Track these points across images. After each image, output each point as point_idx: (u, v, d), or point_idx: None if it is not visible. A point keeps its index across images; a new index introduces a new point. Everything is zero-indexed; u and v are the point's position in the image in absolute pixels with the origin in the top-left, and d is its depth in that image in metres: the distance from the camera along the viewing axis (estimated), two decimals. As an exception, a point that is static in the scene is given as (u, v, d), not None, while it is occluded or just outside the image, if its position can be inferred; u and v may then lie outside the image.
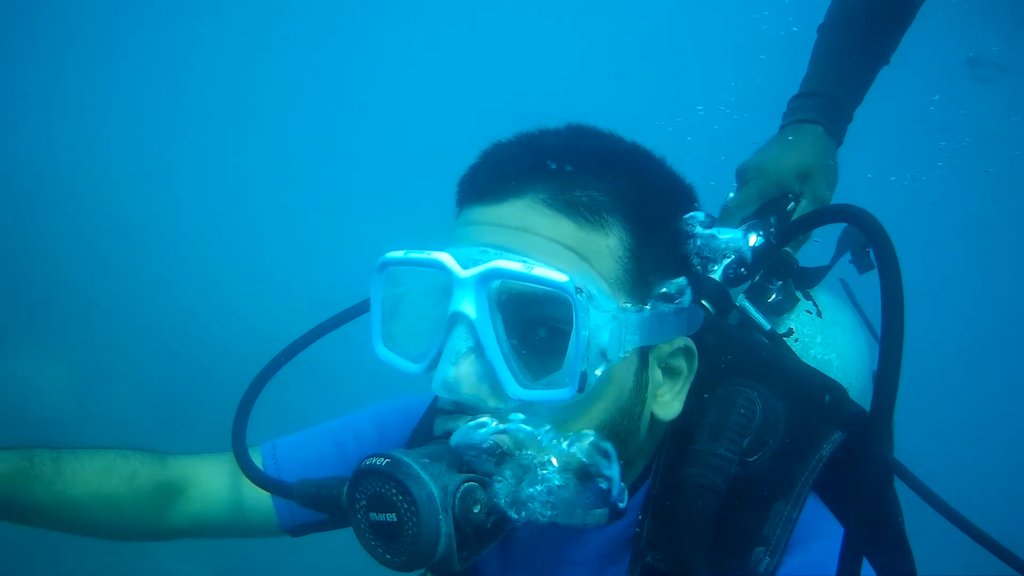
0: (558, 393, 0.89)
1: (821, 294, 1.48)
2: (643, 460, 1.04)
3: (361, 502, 0.88)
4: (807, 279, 1.45)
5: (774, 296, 1.37)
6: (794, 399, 1.07)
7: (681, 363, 1.02)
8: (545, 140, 1.01)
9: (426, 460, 0.87)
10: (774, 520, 0.99)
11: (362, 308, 1.24)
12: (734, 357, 1.09)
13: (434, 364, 0.93)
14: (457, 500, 0.85)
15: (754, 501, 1.00)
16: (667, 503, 1.02)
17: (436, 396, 0.96)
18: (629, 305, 0.94)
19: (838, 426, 1.06)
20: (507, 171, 0.96)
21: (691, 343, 1.02)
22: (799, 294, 1.41)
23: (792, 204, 1.46)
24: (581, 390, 0.89)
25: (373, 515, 0.87)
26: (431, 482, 0.85)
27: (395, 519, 0.85)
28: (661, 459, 1.05)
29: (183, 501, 1.25)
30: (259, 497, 1.23)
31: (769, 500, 1.00)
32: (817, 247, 1.50)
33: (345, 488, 0.91)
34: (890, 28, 1.74)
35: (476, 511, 0.87)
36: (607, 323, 0.90)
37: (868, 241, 1.03)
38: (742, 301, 1.31)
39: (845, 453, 1.04)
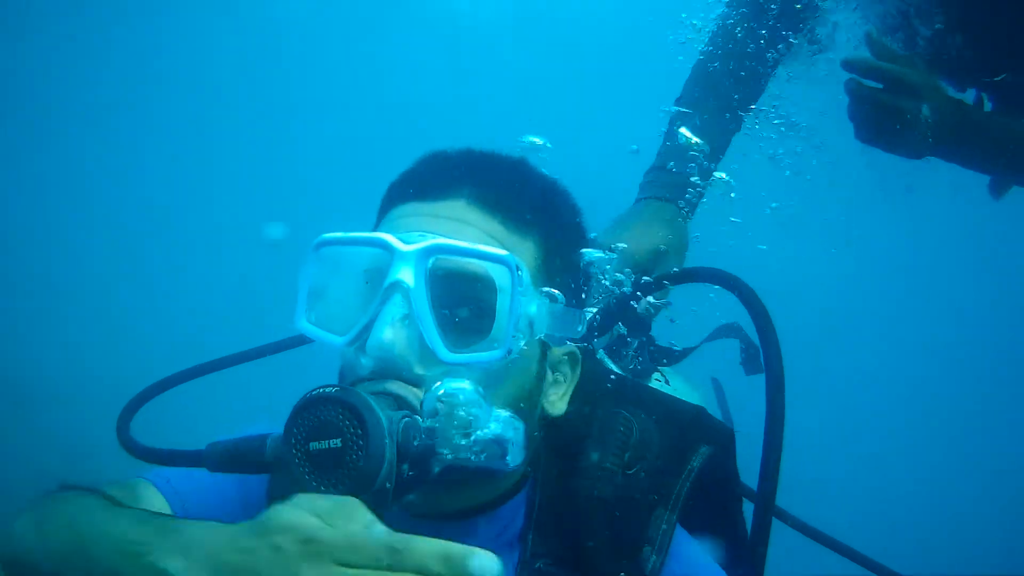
0: (490, 355, 1.00)
1: (676, 378, 1.58)
2: (525, 456, 1.09)
3: (300, 435, 0.91)
4: (668, 356, 1.59)
5: (633, 364, 1.51)
6: (664, 418, 1.21)
7: (567, 368, 1.15)
8: (480, 154, 1.16)
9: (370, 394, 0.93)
10: (656, 523, 1.11)
11: (282, 345, 1.38)
12: (607, 383, 1.24)
13: (363, 333, 1.00)
14: (400, 430, 0.91)
15: (638, 509, 1.12)
16: (558, 512, 1.12)
17: (347, 373, 1.05)
18: (543, 298, 1.07)
19: (706, 440, 1.20)
20: (446, 174, 1.11)
21: (577, 351, 1.15)
22: (655, 368, 1.54)
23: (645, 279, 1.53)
24: (509, 354, 1.00)
25: (313, 444, 0.90)
26: (379, 410, 0.90)
27: (339, 444, 0.88)
28: (540, 471, 1.16)
29: None
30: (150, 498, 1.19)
31: (651, 507, 1.12)
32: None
33: (267, 439, 0.98)
34: (738, 107, 1.96)
35: (415, 444, 0.93)
36: (532, 300, 1.04)
37: (752, 344, 1.20)
38: (601, 355, 1.42)
39: (711, 467, 1.19)
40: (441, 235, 1.03)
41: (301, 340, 1.29)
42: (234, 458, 1.02)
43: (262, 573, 0.74)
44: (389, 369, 0.99)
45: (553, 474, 1.15)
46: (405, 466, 0.92)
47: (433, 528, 0.91)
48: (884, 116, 1.73)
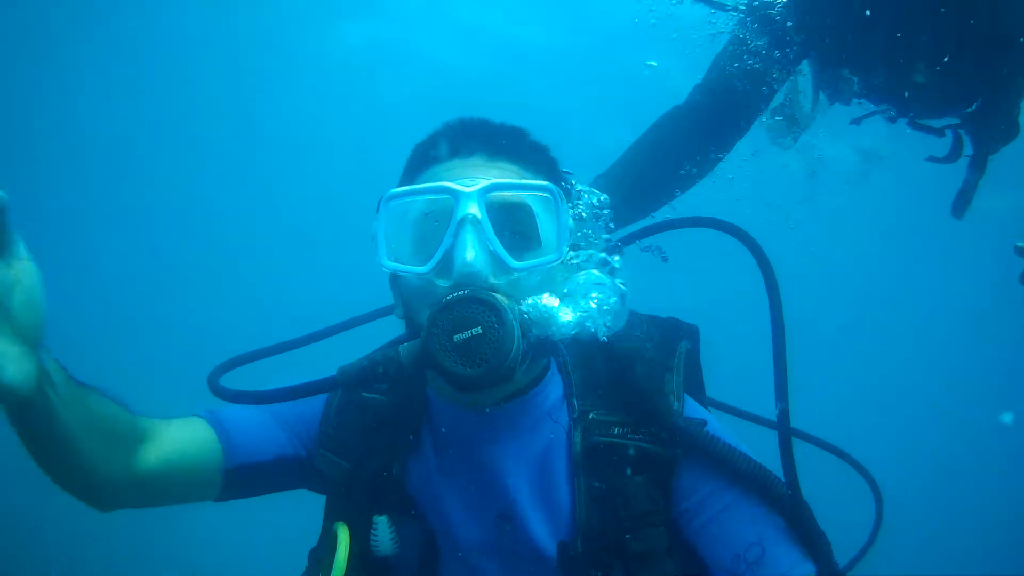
0: (547, 259, 1.31)
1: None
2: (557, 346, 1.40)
3: (444, 331, 1.20)
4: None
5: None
6: (653, 321, 1.54)
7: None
8: (492, 122, 1.44)
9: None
10: (669, 382, 1.41)
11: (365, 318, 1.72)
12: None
13: (445, 258, 1.28)
14: (521, 320, 1.23)
15: (657, 368, 1.43)
16: (595, 377, 1.45)
17: (422, 297, 1.31)
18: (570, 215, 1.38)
19: (684, 337, 1.52)
20: (466, 137, 1.39)
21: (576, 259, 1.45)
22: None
23: None
24: (560, 257, 1.32)
25: (456, 336, 1.19)
26: (507, 303, 1.23)
27: (480, 331, 1.18)
28: (572, 350, 1.47)
29: (147, 448, 1.36)
30: (206, 446, 1.42)
31: (661, 372, 1.42)
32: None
33: (399, 348, 1.25)
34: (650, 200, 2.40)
35: (533, 332, 1.26)
36: (567, 216, 1.35)
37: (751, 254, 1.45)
38: None
39: (688, 354, 1.50)
40: (485, 178, 1.30)
41: (377, 314, 1.68)
42: (369, 372, 1.27)
43: None
44: (470, 283, 1.26)
45: (588, 347, 1.41)
46: (526, 345, 1.23)
47: (486, 418, 1.34)
48: None
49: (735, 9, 2.70)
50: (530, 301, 1.27)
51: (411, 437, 1.43)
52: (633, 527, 1.32)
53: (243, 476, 1.43)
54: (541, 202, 1.33)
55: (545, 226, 1.33)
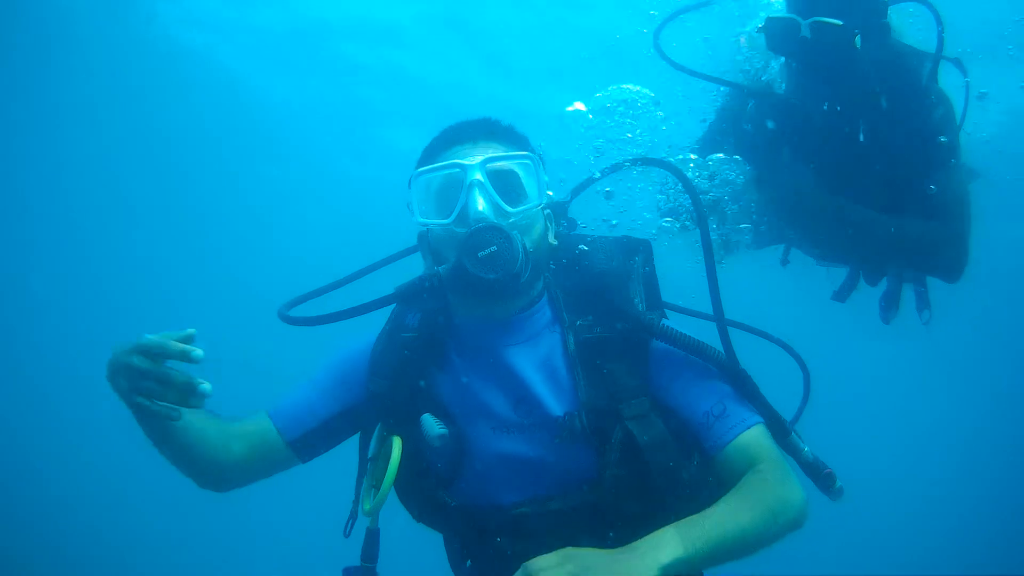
0: (531, 204, 1.76)
1: None
2: (543, 274, 1.87)
3: (472, 248, 1.64)
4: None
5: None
6: (610, 240, 1.95)
7: (553, 221, 1.90)
8: (478, 119, 1.89)
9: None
10: (632, 289, 1.90)
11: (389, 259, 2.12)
12: (577, 227, 2.04)
13: (462, 211, 1.71)
14: (522, 242, 1.69)
15: (622, 278, 1.89)
16: (578, 294, 1.86)
17: (445, 244, 1.74)
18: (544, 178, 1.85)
19: (638, 252, 1.95)
20: (461, 131, 1.86)
21: (552, 214, 1.91)
22: None
23: None
24: (541, 203, 1.79)
25: (480, 252, 1.64)
26: (513, 230, 1.69)
27: (495, 249, 1.64)
28: (551, 274, 1.90)
29: (236, 442, 1.83)
30: (268, 433, 1.86)
31: (625, 281, 1.90)
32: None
33: (438, 271, 1.68)
34: None
35: (529, 248, 1.72)
36: (544, 176, 1.82)
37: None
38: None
39: (643, 265, 1.95)
40: (482, 154, 1.76)
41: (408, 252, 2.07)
42: (417, 285, 1.68)
43: None
44: (481, 223, 1.68)
45: (567, 272, 1.90)
46: (526, 259, 1.69)
47: (500, 327, 1.80)
48: None
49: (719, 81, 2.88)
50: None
51: (439, 357, 1.85)
52: (623, 398, 1.73)
53: (304, 443, 1.88)
54: (523, 167, 1.79)
55: (528, 183, 1.78)
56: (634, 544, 1.49)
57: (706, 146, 2.94)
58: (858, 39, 2.43)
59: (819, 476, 1.81)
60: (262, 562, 10.81)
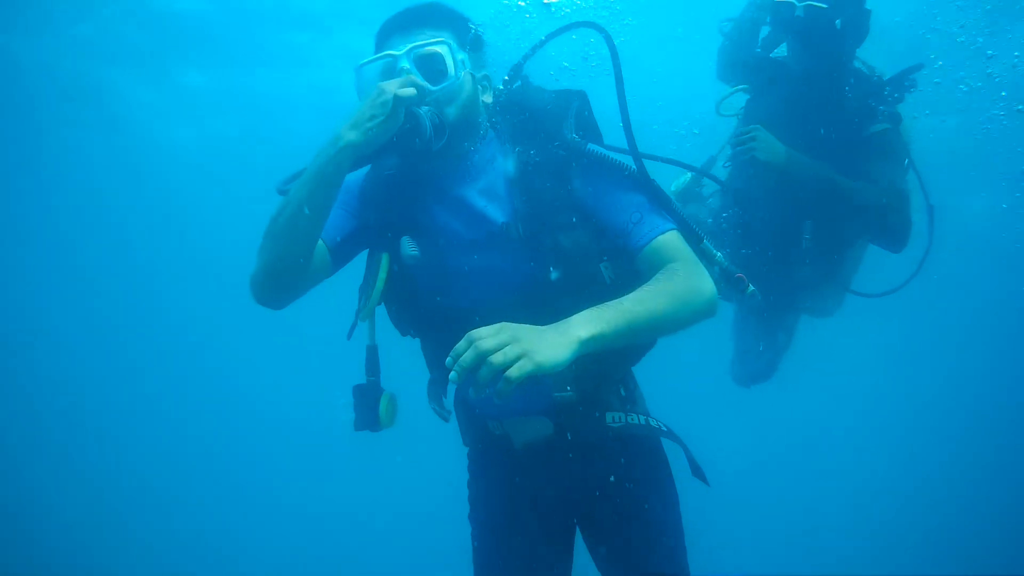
0: (451, 81, 2.05)
1: None
2: (484, 121, 2.19)
3: (413, 116, 1.95)
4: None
5: None
6: (548, 92, 2.21)
7: (487, 83, 2.22)
8: (413, 6, 2.16)
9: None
10: (564, 123, 2.12)
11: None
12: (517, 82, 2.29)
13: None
14: (430, 115, 2.00)
15: (552, 116, 2.14)
16: (522, 126, 2.16)
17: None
18: (466, 53, 2.14)
19: (574, 99, 2.18)
20: (401, 20, 2.13)
21: (488, 73, 2.23)
22: None
23: None
24: (458, 78, 2.07)
25: (407, 124, 1.94)
26: (422, 109, 1.99)
27: (408, 127, 1.94)
28: (498, 116, 2.22)
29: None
30: (319, 244, 2.12)
31: (561, 117, 2.13)
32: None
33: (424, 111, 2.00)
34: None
35: (453, 115, 2.05)
36: (461, 54, 2.10)
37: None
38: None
39: (579, 111, 2.18)
40: (412, 41, 2.06)
41: None
42: (404, 125, 1.95)
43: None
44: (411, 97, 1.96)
45: (511, 111, 2.19)
46: (436, 118, 2.01)
47: (451, 166, 2.13)
48: None
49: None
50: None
51: (412, 191, 2.19)
52: (554, 209, 2.05)
53: (337, 248, 2.18)
54: (445, 47, 2.07)
55: (449, 61, 2.06)
56: (558, 322, 1.76)
57: (723, 59, 3.96)
58: (838, 22, 3.29)
59: (731, 279, 2.09)
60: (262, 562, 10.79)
